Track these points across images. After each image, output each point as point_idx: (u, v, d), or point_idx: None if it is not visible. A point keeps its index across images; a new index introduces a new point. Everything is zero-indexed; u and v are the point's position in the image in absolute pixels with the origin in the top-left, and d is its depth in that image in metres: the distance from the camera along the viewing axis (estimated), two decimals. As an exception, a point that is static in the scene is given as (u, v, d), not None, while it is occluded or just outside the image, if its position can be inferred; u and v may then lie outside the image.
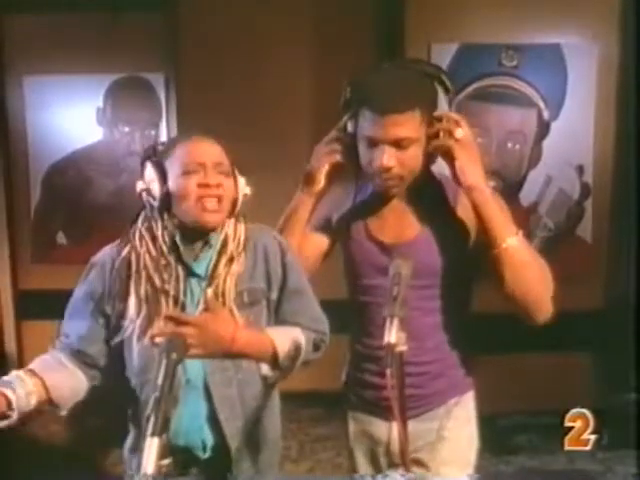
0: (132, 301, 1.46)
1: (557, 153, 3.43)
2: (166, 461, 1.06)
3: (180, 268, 1.47)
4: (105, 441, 2.93)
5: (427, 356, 1.58)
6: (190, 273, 1.48)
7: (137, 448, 1.48)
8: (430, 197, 1.61)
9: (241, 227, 1.52)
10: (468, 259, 1.59)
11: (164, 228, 1.47)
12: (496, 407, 3.24)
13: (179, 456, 1.38)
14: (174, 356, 1.14)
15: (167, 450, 1.06)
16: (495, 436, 3.21)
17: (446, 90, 1.52)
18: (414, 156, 1.51)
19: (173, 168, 1.45)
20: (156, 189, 1.45)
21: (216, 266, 1.47)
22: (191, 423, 1.46)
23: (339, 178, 1.66)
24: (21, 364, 3.31)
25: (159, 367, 1.13)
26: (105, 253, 1.53)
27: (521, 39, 3.33)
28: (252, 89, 3.34)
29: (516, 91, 3.38)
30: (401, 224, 1.61)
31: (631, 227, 3.26)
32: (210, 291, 1.45)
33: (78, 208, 3.53)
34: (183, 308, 1.46)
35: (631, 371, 3.02)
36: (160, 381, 1.10)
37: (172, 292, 1.45)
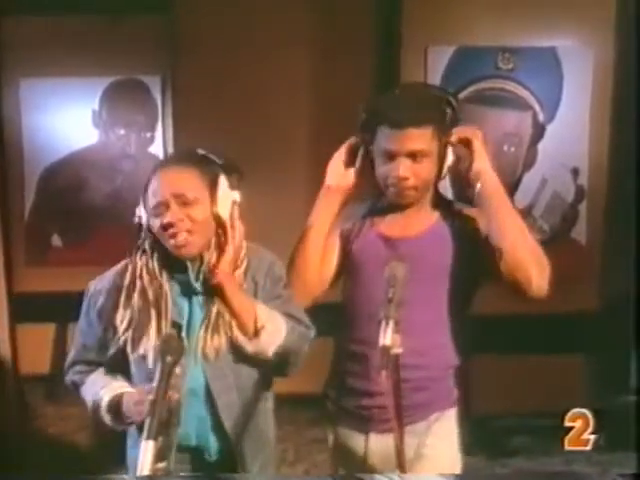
0: (121, 312, 1.48)
1: (552, 156, 3.44)
2: (162, 464, 1.05)
3: (169, 286, 1.49)
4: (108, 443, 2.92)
5: (416, 359, 1.52)
6: (189, 290, 1.50)
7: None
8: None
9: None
10: (476, 260, 1.62)
11: (152, 250, 1.51)
12: (492, 408, 3.25)
13: (191, 455, 1.45)
14: (169, 359, 1.13)
15: (164, 453, 1.05)
16: (491, 438, 3.21)
17: (453, 110, 1.63)
18: (427, 169, 1.62)
19: (147, 204, 1.50)
20: (143, 218, 1.51)
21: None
22: (198, 428, 1.48)
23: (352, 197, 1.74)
24: (16, 367, 3.29)
25: (154, 370, 1.13)
26: (107, 277, 1.56)
27: (517, 42, 3.34)
28: (249, 92, 3.33)
29: (512, 94, 3.39)
30: (410, 221, 1.68)
31: (626, 229, 3.27)
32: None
33: (73, 210, 3.51)
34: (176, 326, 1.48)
35: (628, 373, 3.02)
36: (155, 384, 1.09)
37: (162, 308, 1.47)
